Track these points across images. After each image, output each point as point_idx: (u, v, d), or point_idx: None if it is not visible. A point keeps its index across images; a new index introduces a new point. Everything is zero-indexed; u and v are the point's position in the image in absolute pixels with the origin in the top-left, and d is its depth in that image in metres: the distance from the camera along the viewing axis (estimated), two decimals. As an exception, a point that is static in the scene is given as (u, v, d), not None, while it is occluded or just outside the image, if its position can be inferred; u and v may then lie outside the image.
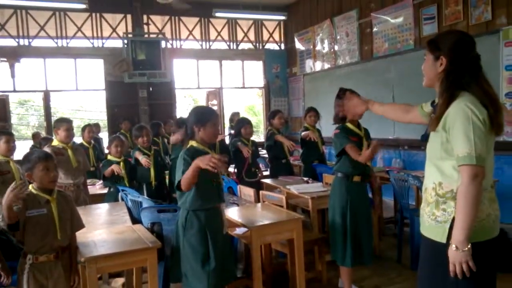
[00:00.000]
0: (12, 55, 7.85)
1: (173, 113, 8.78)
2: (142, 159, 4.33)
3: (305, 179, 4.49)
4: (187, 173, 2.31)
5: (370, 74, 7.05)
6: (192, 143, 2.53)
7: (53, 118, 8.44)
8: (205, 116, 2.54)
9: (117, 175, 4.10)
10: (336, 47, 8.05)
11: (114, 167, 4.07)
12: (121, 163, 4.22)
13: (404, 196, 3.96)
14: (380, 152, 6.66)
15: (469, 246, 1.59)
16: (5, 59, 7.83)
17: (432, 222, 1.74)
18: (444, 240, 1.67)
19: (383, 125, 6.28)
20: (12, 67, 7.89)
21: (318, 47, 8.59)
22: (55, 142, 4.09)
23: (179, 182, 2.38)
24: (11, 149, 3.77)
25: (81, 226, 2.53)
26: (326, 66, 8.40)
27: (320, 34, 8.48)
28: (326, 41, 8.34)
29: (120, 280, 3.35)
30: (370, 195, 3.41)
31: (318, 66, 8.66)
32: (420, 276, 1.84)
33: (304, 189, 3.92)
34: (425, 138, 1.83)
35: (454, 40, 1.74)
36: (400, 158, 6.29)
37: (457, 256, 1.60)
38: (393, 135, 6.48)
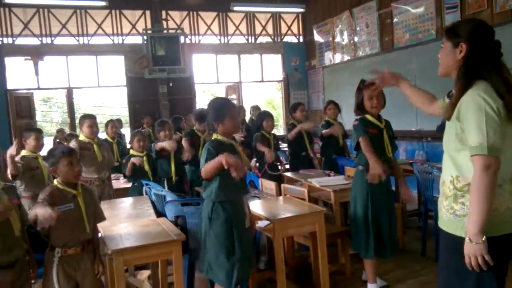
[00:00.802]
0: (36, 54, 8.02)
1: (193, 108, 8.83)
2: (166, 143, 4.36)
3: (327, 172, 4.47)
4: (210, 163, 2.36)
5: (391, 66, 6.83)
6: (215, 136, 2.56)
7: (76, 115, 8.63)
8: (222, 111, 2.54)
9: (140, 168, 4.16)
10: (355, 39, 7.95)
11: (133, 159, 4.15)
12: (144, 158, 4.29)
13: (428, 188, 3.91)
14: (403, 144, 6.58)
15: (483, 239, 1.56)
16: (29, 58, 8.00)
17: (451, 216, 1.71)
18: (463, 234, 1.64)
19: (405, 117, 6.21)
20: (36, 65, 8.06)
21: (338, 39, 8.50)
22: (82, 137, 4.20)
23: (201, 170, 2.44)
24: (40, 145, 3.88)
25: (102, 218, 2.59)
26: (346, 58, 8.31)
27: (339, 26, 8.39)
28: (345, 33, 8.24)
29: (146, 273, 3.41)
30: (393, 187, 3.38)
31: (338, 58, 8.57)
32: (439, 269, 1.82)
33: (326, 182, 3.90)
34: (441, 128, 1.81)
35: (474, 27, 1.71)
36: (423, 150, 6.20)
37: (471, 249, 1.58)
38: (415, 127, 6.39)
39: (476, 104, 1.59)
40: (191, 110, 8.31)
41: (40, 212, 2.06)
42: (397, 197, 3.91)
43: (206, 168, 2.39)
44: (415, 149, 6.41)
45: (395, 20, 6.91)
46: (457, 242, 1.66)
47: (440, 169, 3.71)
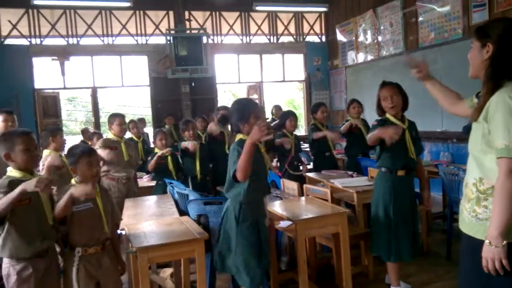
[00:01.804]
0: (62, 54, 8.21)
1: (215, 108, 8.88)
2: (189, 144, 4.40)
3: (349, 173, 4.42)
4: (243, 157, 2.30)
5: (415, 65, 6.82)
6: (240, 136, 2.55)
7: (100, 114, 8.78)
8: (246, 111, 2.54)
9: (164, 167, 4.23)
10: (379, 38, 7.85)
11: (157, 156, 4.21)
12: (168, 157, 4.35)
13: (454, 191, 3.82)
14: (427, 145, 6.46)
15: (504, 243, 1.53)
16: (56, 58, 8.20)
17: (473, 219, 1.68)
18: (484, 238, 1.60)
19: (430, 117, 6.10)
20: (62, 65, 8.25)
21: (361, 38, 8.41)
22: (110, 136, 4.28)
23: (234, 172, 2.37)
24: (62, 144, 3.95)
25: (119, 218, 2.62)
26: (369, 57, 8.21)
27: (363, 25, 8.30)
28: (369, 32, 8.15)
29: (168, 271, 3.45)
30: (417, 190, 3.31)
31: (361, 57, 8.48)
32: (460, 273, 1.80)
33: (349, 183, 3.87)
34: (467, 129, 1.77)
35: (504, 27, 1.66)
36: (449, 152, 6.07)
37: (490, 252, 1.55)
38: (441, 128, 6.26)
39: (506, 105, 1.56)
40: (213, 110, 8.36)
41: (78, 190, 2.11)
42: (421, 199, 3.84)
43: (240, 165, 2.31)
44: (440, 150, 6.28)
45: (420, 19, 6.79)
46: (478, 245, 1.63)
47: (466, 171, 3.64)
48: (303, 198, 3.57)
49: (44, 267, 2.22)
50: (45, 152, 3.83)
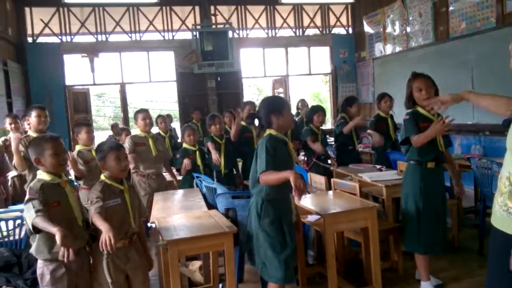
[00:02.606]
0: (92, 51, 8.39)
1: (241, 102, 8.91)
2: (213, 156, 4.43)
3: (378, 166, 4.36)
4: (274, 174, 2.32)
5: (446, 56, 6.65)
6: (270, 131, 2.51)
7: (128, 110, 8.95)
8: (280, 104, 2.55)
9: (193, 162, 4.28)
10: (408, 29, 7.68)
11: (185, 162, 4.25)
12: (197, 152, 4.39)
13: (486, 185, 3.72)
14: (458, 138, 6.30)
15: None
16: (86, 55, 8.38)
17: (504, 213, 1.64)
18: None
19: (461, 109, 5.90)
20: (91, 62, 8.44)
21: (389, 29, 8.25)
22: (138, 132, 4.36)
23: (261, 173, 2.37)
24: (91, 139, 4.05)
25: (146, 213, 2.66)
26: (398, 49, 8.05)
27: (391, 16, 8.13)
28: (397, 23, 7.98)
29: (197, 263, 3.49)
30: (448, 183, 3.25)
31: (389, 49, 8.32)
32: (488, 268, 1.76)
33: (378, 177, 3.81)
34: (506, 123, 1.71)
35: None
36: (480, 145, 5.90)
37: None
38: (472, 120, 6.08)
39: None
40: (239, 105, 8.39)
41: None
42: (452, 193, 3.76)
43: (268, 178, 2.33)
44: (471, 143, 6.12)
45: (450, 8, 6.60)
46: (509, 241, 1.59)
47: (500, 165, 3.53)
48: (331, 192, 3.54)
49: (76, 267, 2.28)
50: (77, 148, 3.95)
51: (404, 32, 7.80)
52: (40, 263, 2.25)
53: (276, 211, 2.49)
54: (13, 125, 4.58)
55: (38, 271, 2.25)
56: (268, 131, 2.52)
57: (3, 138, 4.53)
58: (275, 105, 2.54)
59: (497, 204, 1.69)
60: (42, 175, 2.27)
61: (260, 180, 2.37)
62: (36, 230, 2.11)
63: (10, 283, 2.48)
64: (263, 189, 2.46)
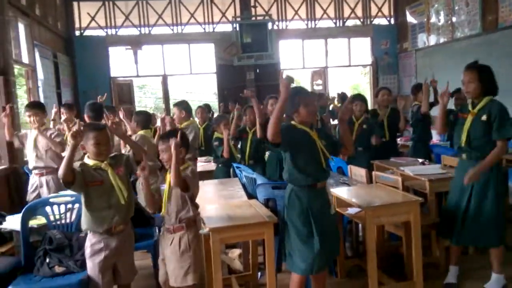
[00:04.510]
0: (135, 43, 8.63)
1: (279, 94, 8.89)
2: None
3: (421, 160, 4.26)
4: (273, 114, 2.34)
5: (494, 47, 6.37)
6: (291, 121, 2.53)
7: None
8: (294, 101, 2.48)
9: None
10: (453, 19, 7.40)
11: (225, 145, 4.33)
12: (232, 142, 4.46)
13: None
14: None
15: None
16: (129, 47, 8.63)
17: None
18: None
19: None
20: (135, 54, 8.68)
21: (433, 19, 7.98)
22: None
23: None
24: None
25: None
26: (442, 39, 7.78)
27: (435, 5, 7.86)
28: (442, 13, 7.71)
29: (237, 251, 3.55)
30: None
31: (433, 40, 8.06)
32: None
33: (421, 171, 3.73)
34: None
35: None
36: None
37: None
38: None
39: None
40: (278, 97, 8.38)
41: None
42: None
43: (269, 125, 2.31)
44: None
45: (501, -4, 6.31)
46: None
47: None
48: (372, 185, 3.50)
49: (116, 245, 2.48)
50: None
51: (449, 22, 7.53)
52: (88, 235, 2.52)
53: (302, 202, 2.46)
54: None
55: (86, 242, 2.52)
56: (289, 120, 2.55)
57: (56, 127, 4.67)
58: (290, 104, 2.46)
59: None
60: (86, 160, 2.51)
61: (269, 135, 2.32)
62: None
63: (62, 263, 2.65)
64: (289, 173, 2.49)
